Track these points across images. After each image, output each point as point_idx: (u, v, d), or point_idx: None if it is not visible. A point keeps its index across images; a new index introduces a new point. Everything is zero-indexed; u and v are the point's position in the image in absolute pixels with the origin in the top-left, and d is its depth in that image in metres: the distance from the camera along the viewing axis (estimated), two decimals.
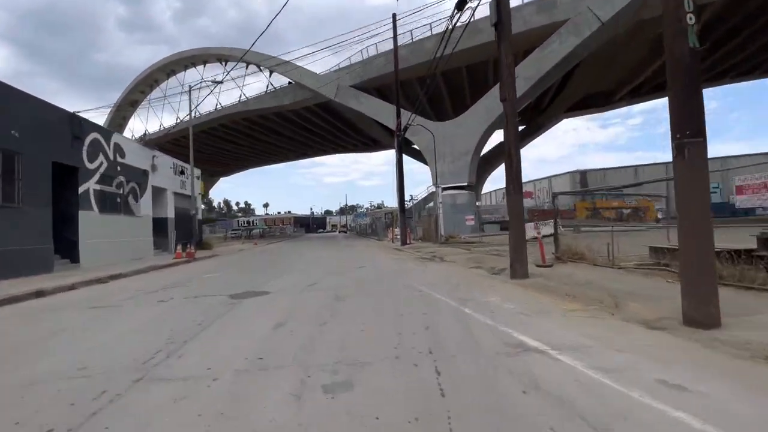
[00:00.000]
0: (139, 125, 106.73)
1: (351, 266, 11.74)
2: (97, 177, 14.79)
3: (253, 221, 76.91)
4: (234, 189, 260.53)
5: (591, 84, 37.44)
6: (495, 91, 28.01)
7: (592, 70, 33.86)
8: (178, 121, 47.46)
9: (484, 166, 40.78)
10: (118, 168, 16.35)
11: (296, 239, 45.62)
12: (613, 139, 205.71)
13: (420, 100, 28.75)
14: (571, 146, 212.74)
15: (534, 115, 43.91)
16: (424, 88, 27.07)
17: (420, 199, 35.67)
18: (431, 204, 43.97)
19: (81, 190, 13.94)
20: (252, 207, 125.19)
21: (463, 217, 25.18)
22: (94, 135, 14.79)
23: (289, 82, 37.11)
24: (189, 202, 23.03)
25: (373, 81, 32.60)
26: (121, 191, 16.52)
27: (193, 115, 46.50)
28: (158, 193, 20.12)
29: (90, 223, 14.17)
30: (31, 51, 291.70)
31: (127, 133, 54.29)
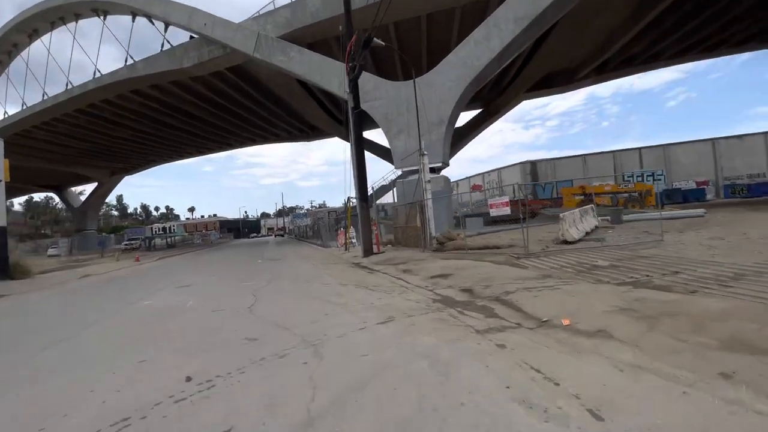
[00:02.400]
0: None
1: None
2: None
3: (170, 227, 62.34)
4: (157, 194, 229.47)
5: (558, 59, 31.11)
6: (477, 35, 19.81)
7: (563, 41, 27.35)
8: (45, 98, 33.71)
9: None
10: None
11: (213, 249, 34.09)
12: (534, 140, 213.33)
13: (364, 58, 19.76)
14: (498, 147, 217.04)
15: (493, 96, 37.03)
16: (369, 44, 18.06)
17: (372, 190, 26.55)
18: (384, 199, 35.21)
19: None
20: (176, 213, 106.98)
21: (440, 210, 16.42)
22: None
23: (191, 37, 25.91)
24: None
25: (305, 32, 22.82)
26: None
27: (66, 87, 33.04)
28: None
29: None
30: None
31: None
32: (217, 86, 29.48)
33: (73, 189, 61.16)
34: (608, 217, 14.11)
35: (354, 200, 15.67)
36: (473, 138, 39.89)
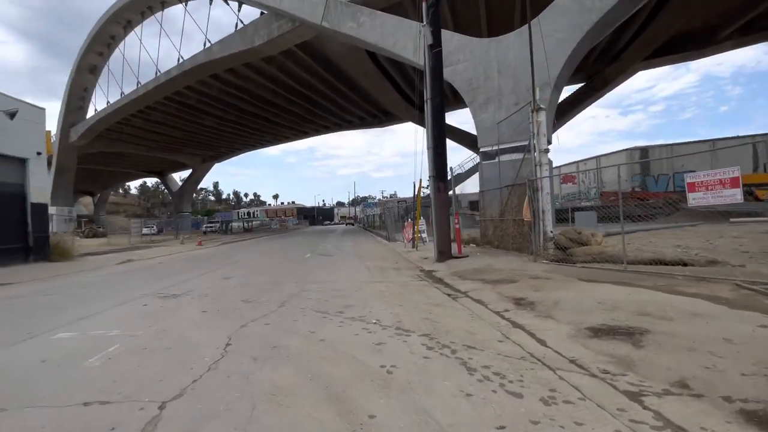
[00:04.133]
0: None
1: None
2: None
3: (254, 213, 64.71)
4: (249, 182, 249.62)
5: (692, 15, 23.39)
6: None
7: None
8: (139, 85, 35.08)
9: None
10: None
11: (283, 234, 32.87)
12: (633, 127, 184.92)
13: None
14: (588, 135, 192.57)
15: (600, 66, 30.06)
16: None
17: (451, 173, 22.33)
18: (458, 190, 30.66)
19: None
20: (262, 199, 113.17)
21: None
22: None
23: (262, 13, 24.11)
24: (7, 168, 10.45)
25: None
26: None
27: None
28: None
29: None
30: (45, 45, 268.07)
31: (90, 111, 42.24)
32: (289, 68, 27.65)
33: (174, 175, 66.47)
34: None
35: (426, 188, 11.80)
36: (570, 119, 33.12)
